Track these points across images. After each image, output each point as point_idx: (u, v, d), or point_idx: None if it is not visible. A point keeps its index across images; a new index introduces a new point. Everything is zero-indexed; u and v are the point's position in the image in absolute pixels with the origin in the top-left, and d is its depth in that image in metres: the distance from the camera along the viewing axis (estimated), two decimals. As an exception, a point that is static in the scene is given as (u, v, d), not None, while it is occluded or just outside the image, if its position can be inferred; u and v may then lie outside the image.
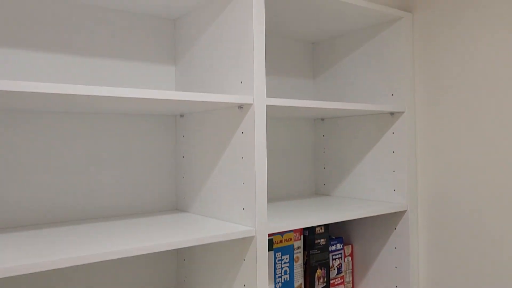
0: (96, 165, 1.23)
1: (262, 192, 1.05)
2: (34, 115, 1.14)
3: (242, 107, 1.09)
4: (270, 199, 1.55)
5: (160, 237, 0.95)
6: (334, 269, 1.44)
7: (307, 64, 1.71)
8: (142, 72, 1.31)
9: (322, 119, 1.69)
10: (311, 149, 1.71)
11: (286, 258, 1.27)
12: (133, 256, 1.28)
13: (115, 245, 0.88)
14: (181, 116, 1.35)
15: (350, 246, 1.53)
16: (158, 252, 1.32)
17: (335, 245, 1.45)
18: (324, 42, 1.67)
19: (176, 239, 0.93)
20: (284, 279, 1.26)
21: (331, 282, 1.43)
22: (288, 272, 1.27)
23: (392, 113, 1.43)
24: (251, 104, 1.06)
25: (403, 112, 1.40)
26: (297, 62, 1.68)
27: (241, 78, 1.09)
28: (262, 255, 1.05)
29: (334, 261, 1.44)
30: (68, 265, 0.79)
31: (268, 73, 1.60)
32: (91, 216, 1.21)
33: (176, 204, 1.37)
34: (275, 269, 1.24)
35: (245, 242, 1.07)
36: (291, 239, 1.29)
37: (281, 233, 1.26)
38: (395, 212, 1.41)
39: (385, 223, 1.44)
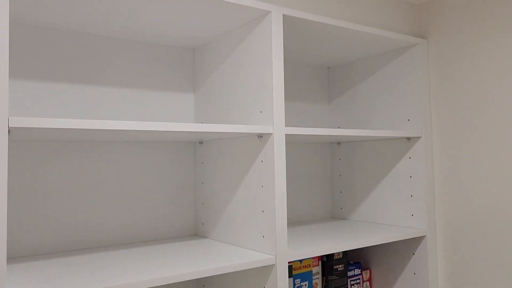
0: (117, 192, 1.25)
1: (282, 220, 1.07)
2: (58, 144, 1.18)
3: (261, 136, 1.11)
4: (288, 224, 1.56)
5: (182, 266, 0.97)
6: (353, 295, 1.44)
7: (323, 89, 1.73)
8: (162, 100, 1.35)
9: (339, 143, 1.70)
10: (327, 173, 1.72)
11: (305, 285, 1.28)
12: (154, 282, 1.29)
13: (137, 275, 0.90)
14: (200, 143, 1.38)
15: (369, 271, 1.52)
16: (177, 278, 1.34)
17: (353, 271, 1.45)
18: (339, 67, 1.70)
19: (198, 269, 0.94)
20: (303, 305, 1.26)
21: (350, 308, 1.42)
22: (307, 298, 1.27)
23: (408, 138, 1.44)
24: (270, 134, 1.08)
25: (419, 137, 1.41)
26: (313, 87, 1.70)
27: (260, 107, 1.12)
28: (282, 283, 1.06)
29: (352, 286, 1.44)
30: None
31: (284, 98, 1.62)
32: (112, 242, 1.24)
33: (195, 230, 1.38)
34: (294, 295, 1.25)
35: (265, 270, 1.08)
36: (309, 265, 1.29)
37: (300, 259, 1.27)
38: (414, 238, 1.41)
39: (404, 248, 1.44)
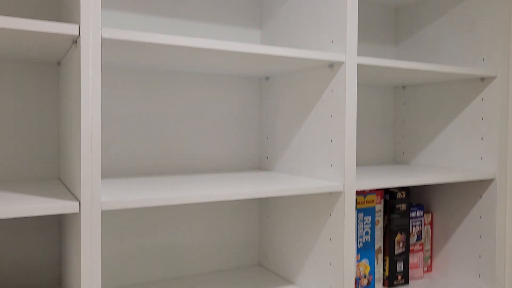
0: (189, 124, 1.30)
1: (351, 149, 1.07)
2: (142, 75, 1.22)
3: (332, 66, 1.10)
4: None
5: (249, 187, 1.00)
6: (414, 236, 1.44)
7: (389, 30, 1.67)
8: (228, 36, 1.36)
9: (403, 87, 1.65)
10: (389, 117, 1.68)
11: (368, 219, 1.29)
12: (217, 212, 1.35)
13: (214, 189, 0.94)
14: (266, 79, 1.38)
15: (430, 214, 1.51)
16: (240, 209, 1.39)
17: (415, 212, 1.44)
18: (407, 7, 1.63)
19: (265, 189, 0.97)
20: (365, 239, 1.28)
21: (410, 248, 1.42)
22: (369, 233, 1.29)
23: (482, 79, 1.38)
24: (342, 63, 1.07)
25: (495, 77, 1.35)
26: (378, 28, 1.65)
27: (332, 36, 1.10)
28: (350, 210, 1.07)
29: (414, 227, 1.44)
30: (181, 202, 0.86)
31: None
32: (182, 170, 1.29)
33: (259, 164, 1.42)
34: (357, 228, 1.26)
35: (332, 197, 1.10)
36: (373, 201, 1.30)
37: (364, 195, 1.28)
38: (481, 181, 1.37)
39: (470, 192, 1.41)
